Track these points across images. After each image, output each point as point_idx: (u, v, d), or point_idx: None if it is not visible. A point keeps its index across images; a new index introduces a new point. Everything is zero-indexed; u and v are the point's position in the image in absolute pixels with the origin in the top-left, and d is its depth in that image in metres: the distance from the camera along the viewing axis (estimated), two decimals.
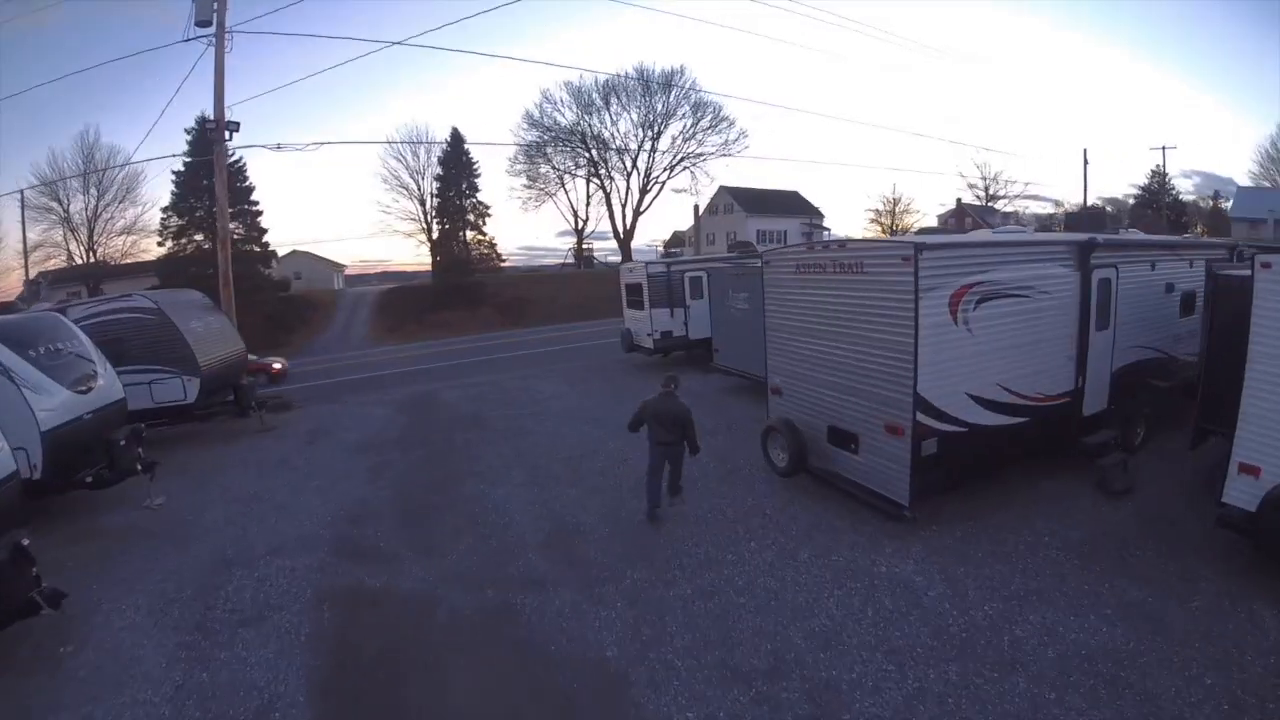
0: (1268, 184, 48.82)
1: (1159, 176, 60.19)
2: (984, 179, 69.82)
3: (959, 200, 68.82)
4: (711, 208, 55.60)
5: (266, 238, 39.28)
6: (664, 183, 51.29)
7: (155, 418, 11.84)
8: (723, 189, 53.41)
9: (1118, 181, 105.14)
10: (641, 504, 7.29)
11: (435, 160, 44.44)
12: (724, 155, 51.01)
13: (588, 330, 29.47)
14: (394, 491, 8.84)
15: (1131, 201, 56.82)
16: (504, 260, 45.95)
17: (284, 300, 39.98)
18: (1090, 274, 7.43)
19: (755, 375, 12.49)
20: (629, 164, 50.50)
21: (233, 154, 37.37)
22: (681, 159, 50.27)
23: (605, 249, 60.95)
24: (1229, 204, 50.77)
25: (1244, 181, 51.16)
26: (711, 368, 14.18)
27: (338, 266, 60.67)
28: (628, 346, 17.42)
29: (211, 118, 16.93)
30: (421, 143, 44.56)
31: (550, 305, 39.12)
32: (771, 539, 6.60)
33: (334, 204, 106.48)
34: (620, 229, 51.74)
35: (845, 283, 6.43)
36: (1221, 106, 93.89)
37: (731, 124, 51.28)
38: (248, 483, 9.63)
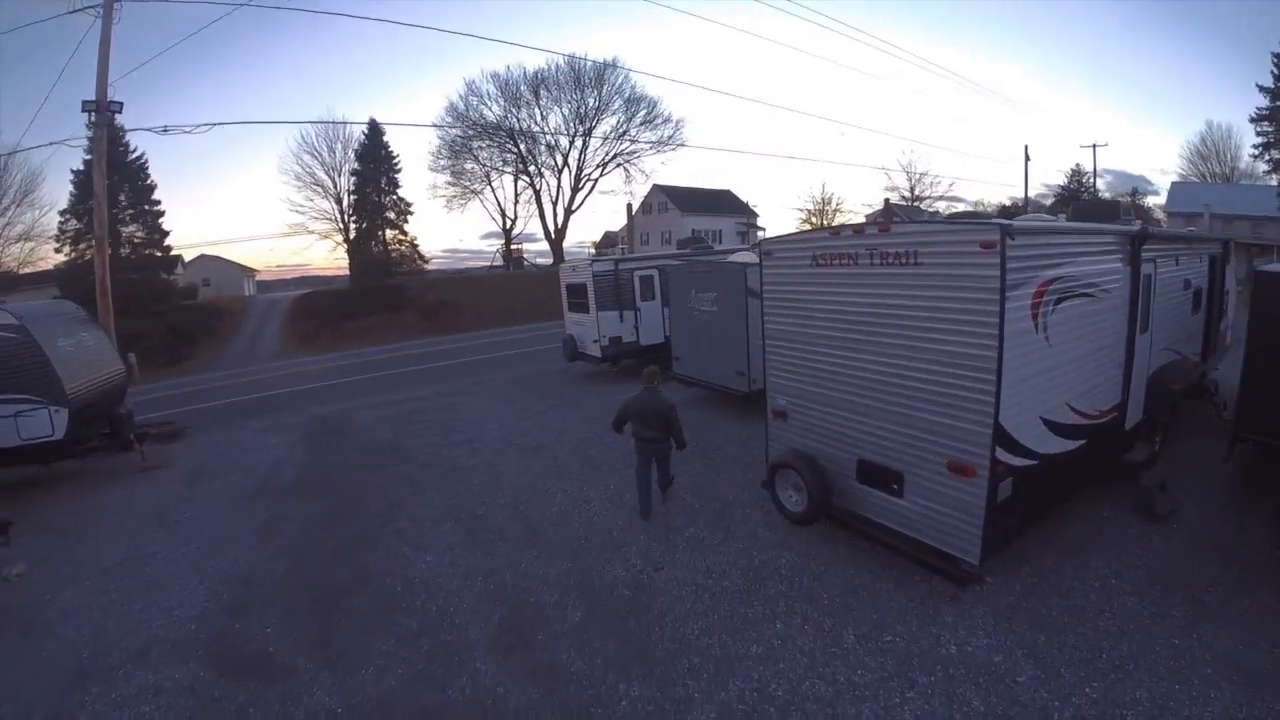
0: (1195, 179, 52.00)
1: (1078, 175, 63.71)
2: (909, 178, 72.40)
3: (886, 200, 70.92)
4: (645, 206, 54.25)
5: (170, 240, 34.93)
6: (596, 180, 49.51)
7: (21, 459, 9.69)
8: (656, 187, 52.17)
9: (1032, 182, 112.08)
10: (636, 507, 6.90)
11: (352, 154, 40.81)
12: (659, 151, 49.71)
13: (521, 336, 27.34)
14: (289, 560, 6.66)
15: (1050, 200, 60.12)
16: (427, 261, 42.67)
17: (189, 309, 35.72)
18: (1140, 270, 6.34)
19: (723, 386, 11.03)
20: (560, 161, 48.37)
21: (135, 149, 33.20)
22: (614, 156, 48.64)
23: (535, 250, 58.65)
24: (1159, 199, 54.70)
25: (1158, 179, 54.79)
26: (669, 377, 12.56)
27: (249, 271, 55.93)
28: (571, 354, 15.55)
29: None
30: (338, 123, 40.84)
31: (479, 309, 36.56)
32: (801, 614, 5.01)
33: (246, 204, 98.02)
34: (551, 228, 49.51)
35: (890, 277, 4.91)
36: (1128, 110, 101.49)
37: (667, 120, 50.15)
38: (118, 545, 7.40)
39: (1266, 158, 31.35)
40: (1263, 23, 79.90)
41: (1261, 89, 30.69)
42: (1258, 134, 31.18)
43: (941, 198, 68.96)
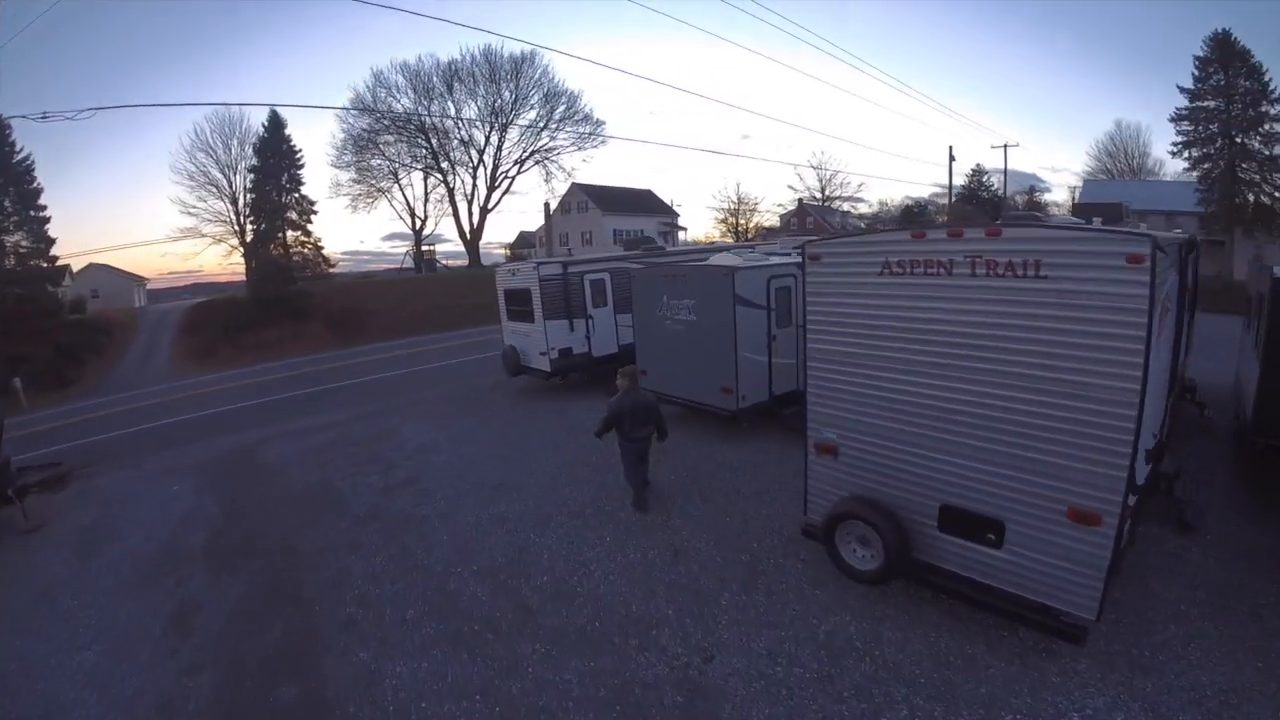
0: (1104, 176, 55.08)
1: (979, 174, 67.77)
2: (820, 178, 74.92)
3: (800, 200, 73.12)
4: (564, 206, 52.62)
5: (57, 249, 30.70)
6: (514, 178, 47.36)
7: None
8: (576, 186, 50.69)
9: (928, 182, 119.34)
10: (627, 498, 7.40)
11: (250, 150, 36.64)
12: (579, 148, 48.26)
13: (443, 345, 25.22)
14: (215, 676, 5.00)
15: (945, 201, 63.78)
16: (333, 265, 39.11)
17: (77, 326, 31.30)
18: (1185, 277, 5.96)
19: (703, 404, 10.05)
20: (476, 157, 45.86)
21: (21, 149, 28.56)
22: (533, 152, 46.70)
23: (447, 251, 55.53)
24: (1052, 196, 58.81)
25: (1050, 177, 59.00)
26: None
27: (139, 280, 50.50)
28: (513, 368, 14.00)
29: None
30: (237, 105, 36.30)
31: (392, 317, 33.70)
32: (905, 701, 4.06)
33: (134, 208, 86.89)
34: (466, 229, 46.89)
35: (1000, 291, 4.04)
36: (1021, 113, 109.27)
37: (588, 117, 48.75)
38: None
39: (1185, 155, 33.66)
40: (1166, 28, 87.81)
41: (1182, 90, 32.98)
42: (1177, 133, 33.53)
43: (850, 199, 71.90)
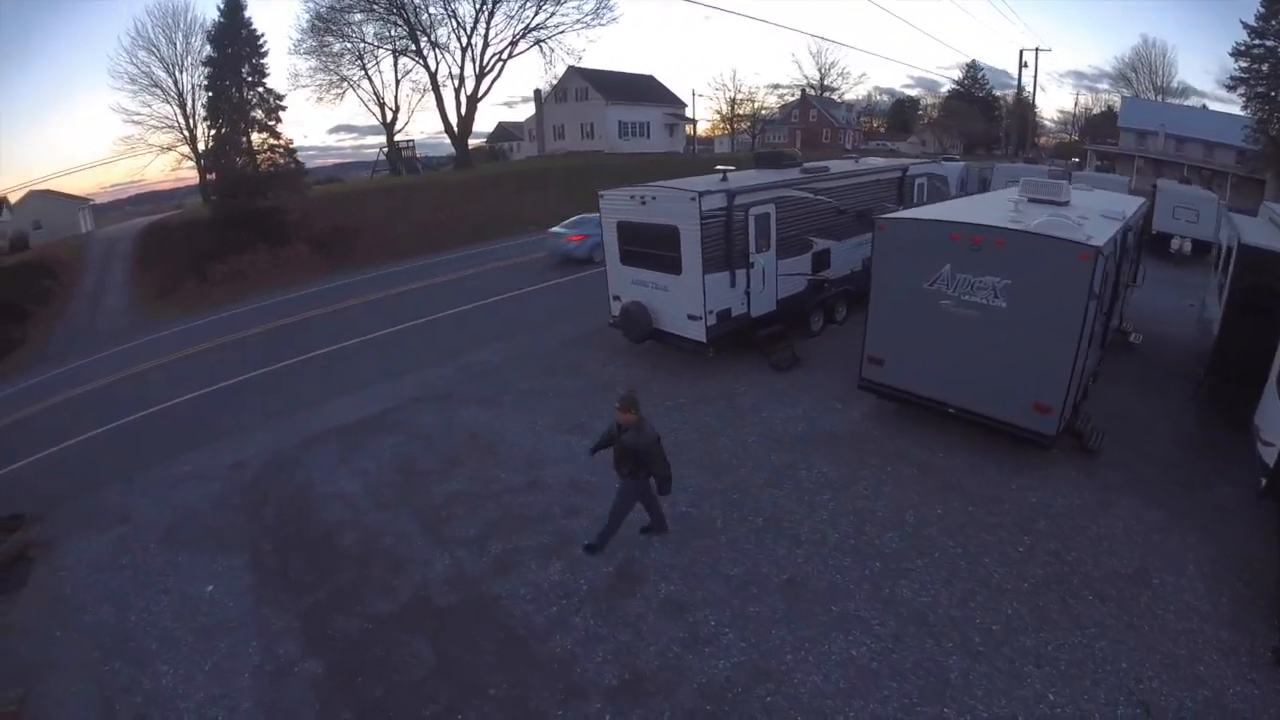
0: (1127, 92, 52.48)
1: (974, 70, 63.72)
2: (819, 68, 68.00)
3: (803, 90, 66.58)
4: (559, 93, 45.85)
5: None
6: (506, 61, 40.14)
7: None
8: (573, 70, 43.72)
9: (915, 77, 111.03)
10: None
11: (205, 38, 29.81)
12: (586, 26, 40.96)
13: (465, 269, 20.85)
14: None
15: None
16: (307, 172, 32.88)
17: (16, 272, 26.35)
18: None
19: (996, 419, 6.79)
20: (465, 36, 38.47)
21: None
22: (529, 30, 39.38)
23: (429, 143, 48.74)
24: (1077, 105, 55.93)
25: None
26: (862, 389, 8.12)
27: (81, 201, 44.49)
28: (640, 332, 10.27)
29: None
30: None
31: (382, 235, 28.40)
32: None
33: (71, 125, 74.13)
34: (454, 122, 40.31)
35: None
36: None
37: None
38: None
39: (1240, 90, 32.69)
40: None
41: (1246, 25, 31.59)
42: (1238, 67, 32.31)
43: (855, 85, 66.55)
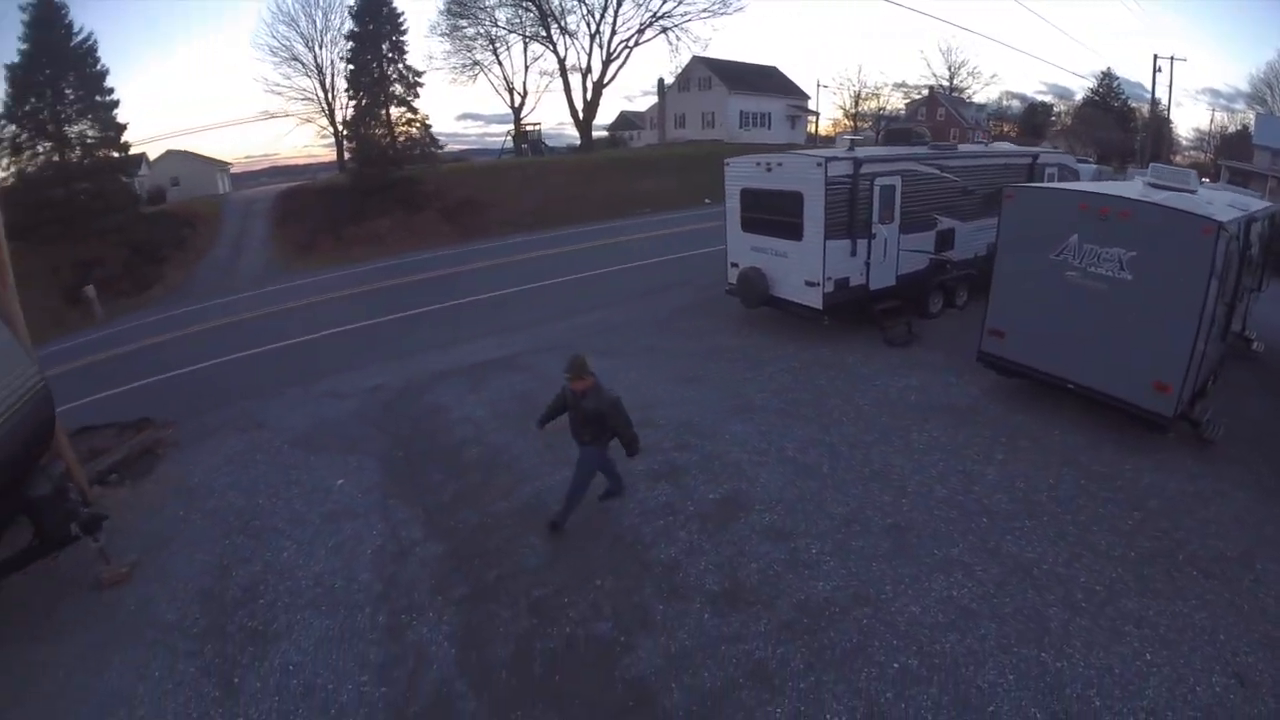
0: (1262, 109, 46.87)
1: (1109, 79, 58.73)
2: (949, 67, 64.28)
3: (931, 89, 63.17)
4: (682, 82, 46.40)
5: (130, 136, 28.30)
6: (633, 48, 41.25)
7: None
8: (697, 60, 44.16)
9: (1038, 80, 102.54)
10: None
11: (346, 13, 32.65)
12: (713, 14, 41.24)
13: (586, 242, 21.86)
14: None
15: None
16: (442, 148, 35.56)
17: (154, 220, 29.04)
18: None
19: (1113, 397, 6.57)
20: (595, 22, 39.97)
21: (80, 30, 25.99)
22: (656, 18, 40.26)
23: (550, 133, 50.91)
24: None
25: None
26: (981, 362, 8.07)
27: (221, 165, 47.67)
28: (756, 297, 10.62)
29: None
30: None
31: (510, 209, 30.32)
32: None
33: (212, 87, 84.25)
34: (579, 107, 42.02)
35: None
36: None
37: None
38: None
39: None
40: None
41: None
42: None
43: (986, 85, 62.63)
